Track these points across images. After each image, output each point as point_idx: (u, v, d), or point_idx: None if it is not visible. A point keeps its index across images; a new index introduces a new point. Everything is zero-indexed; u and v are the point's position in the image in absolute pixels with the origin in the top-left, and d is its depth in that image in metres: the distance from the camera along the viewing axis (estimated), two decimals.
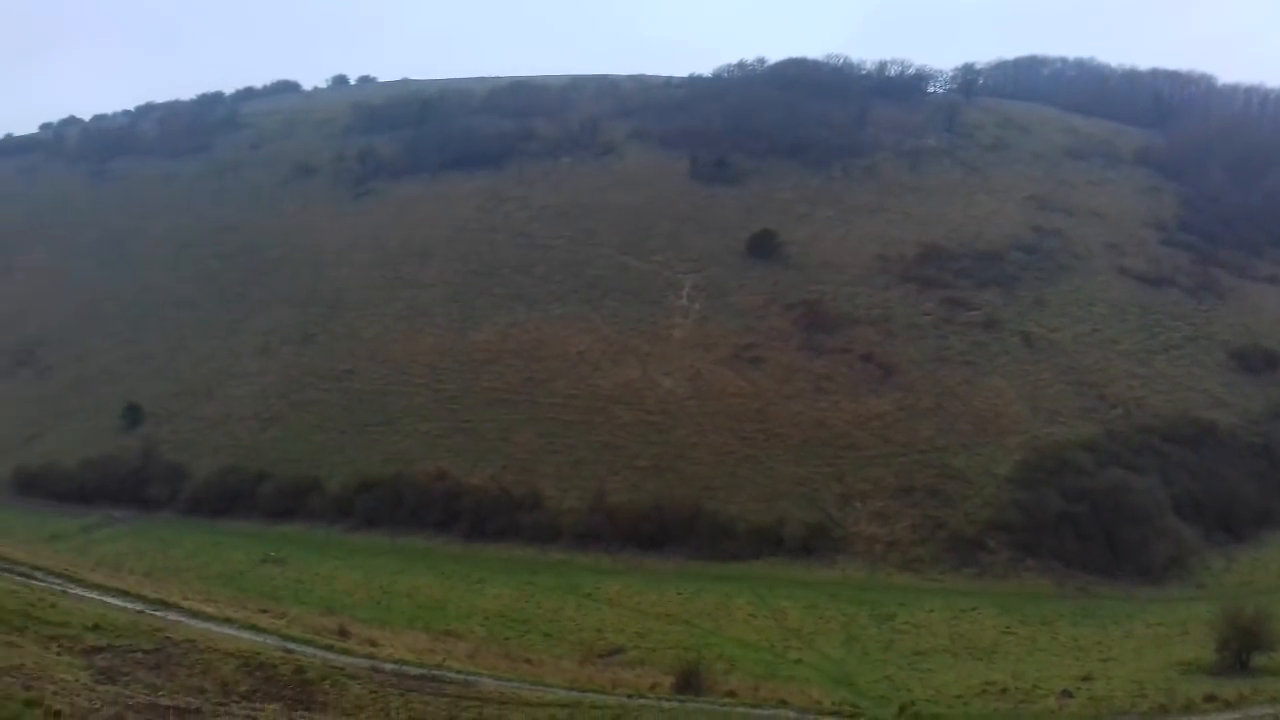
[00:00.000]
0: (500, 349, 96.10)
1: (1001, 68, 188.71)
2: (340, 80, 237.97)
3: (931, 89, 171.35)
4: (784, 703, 38.37)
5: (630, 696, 35.89)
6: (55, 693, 18.67)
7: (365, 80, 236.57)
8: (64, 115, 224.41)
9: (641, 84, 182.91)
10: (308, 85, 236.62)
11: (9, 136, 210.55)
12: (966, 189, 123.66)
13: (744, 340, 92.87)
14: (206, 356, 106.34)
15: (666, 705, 34.73)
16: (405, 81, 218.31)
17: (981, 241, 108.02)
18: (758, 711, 35.46)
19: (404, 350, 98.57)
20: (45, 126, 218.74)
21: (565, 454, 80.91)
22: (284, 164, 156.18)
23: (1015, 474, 73.84)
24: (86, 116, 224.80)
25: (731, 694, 39.60)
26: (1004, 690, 45.71)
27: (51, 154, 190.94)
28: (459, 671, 36.16)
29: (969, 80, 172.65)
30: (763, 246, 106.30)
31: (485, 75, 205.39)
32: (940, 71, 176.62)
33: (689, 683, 39.96)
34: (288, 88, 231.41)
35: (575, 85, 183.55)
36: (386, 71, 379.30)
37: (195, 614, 38.14)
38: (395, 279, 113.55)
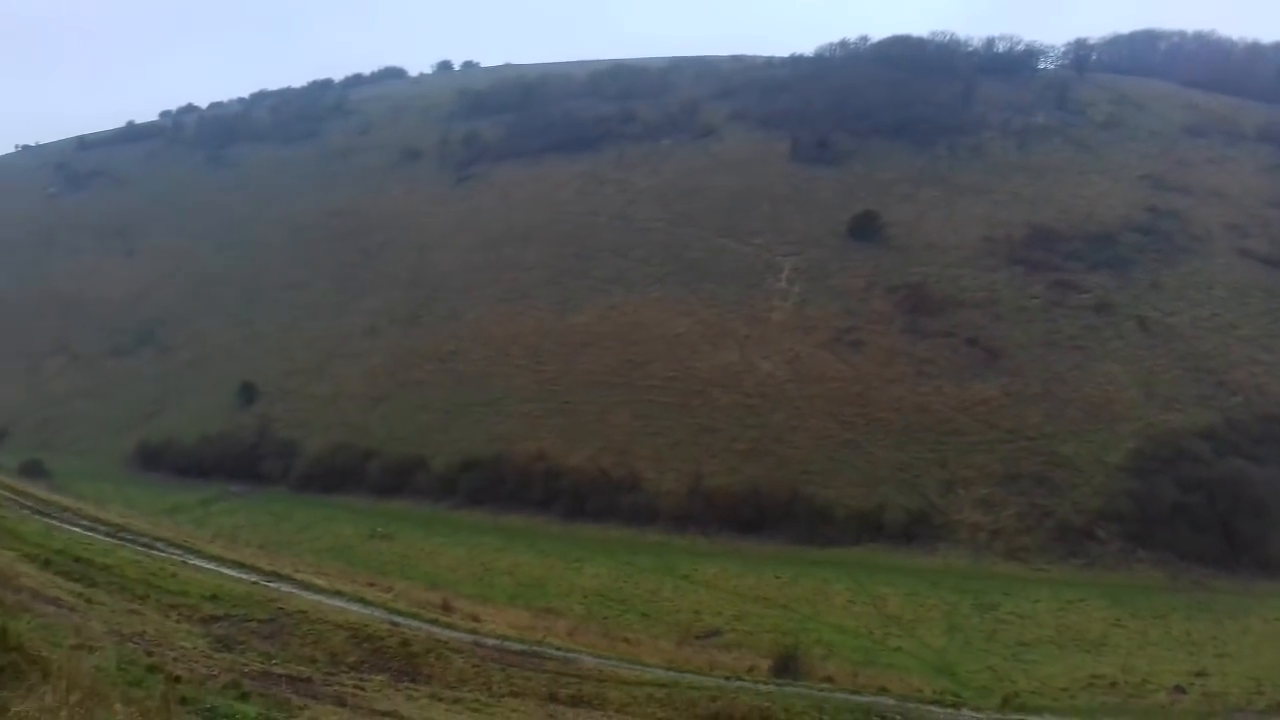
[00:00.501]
0: (599, 331, 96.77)
1: (1116, 42, 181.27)
2: (445, 66, 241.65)
3: (1041, 65, 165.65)
4: (883, 690, 37.95)
5: (728, 679, 35.93)
6: (175, 659, 19.50)
7: (469, 66, 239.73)
8: (183, 103, 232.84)
9: (742, 65, 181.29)
10: (413, 72, 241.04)
11: (132, 124, 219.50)
12: (1078, 168, 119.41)
13: (844, 323, 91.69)
14: (317, 337, 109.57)
15: (764, 688, 34.67)
16: (508, 66, 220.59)
17: (1093, 222, 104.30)
18: (856, 698, 35.13)
19: (505, 332, 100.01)
20: (165, 114, 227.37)
21: (663, 436, 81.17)
22: (391, 149, 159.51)
23: (1127, 462, 71.38)
24: (204, 104, 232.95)
25: (829, 679, 39.34)
26: (1113, 684, 44.48)
27: (172, 140, 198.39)
28: (558, 648, 36.67)
29: (1081, 56, 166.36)
30: (864, 228, 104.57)
31: (586, 59, 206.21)
32: (1051, 47, 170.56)
33: (786, 666, 39.86)
34: (394, 74, 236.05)
35: (675, 67, 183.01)
36: (490, 57, 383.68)
37: (307, 586, 39.39)
38: (497, 261, 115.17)
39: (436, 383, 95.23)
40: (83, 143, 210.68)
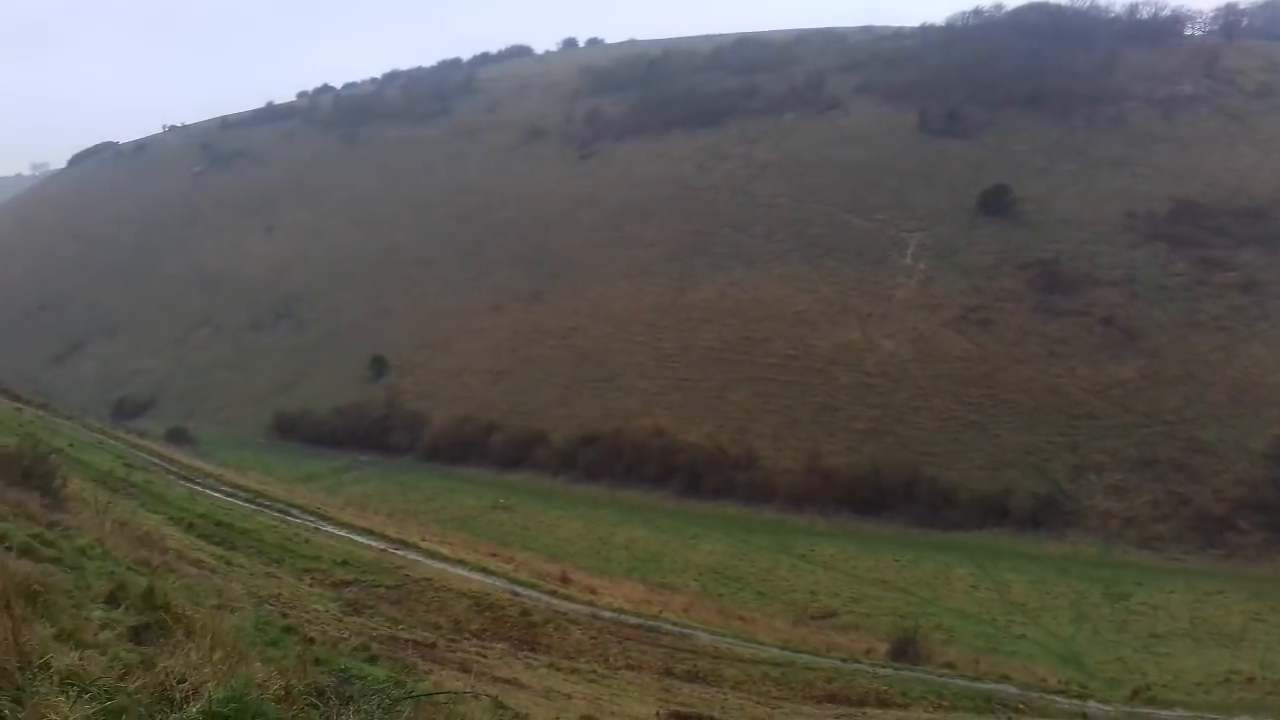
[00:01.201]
0: (718, 308, 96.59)
1: (1269, 7, 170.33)
2: (570, 43, 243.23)
3: (1188, 32, 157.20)
4: (1006, 678, 37.19)
5: (844, 660, 35.77)
6: (308, 621, 20.46)
7: (594, 43, 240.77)
8: (319, 84, 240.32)
9: (870, 36, 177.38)
10: (539, 49, 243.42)
11: (271, 105, 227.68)
12: (1226, 139, 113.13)
13: (972, 301, 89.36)
14: (444, 312, 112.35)
15: (882, 671, 34.41)
16: (632, 43, 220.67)
17: (1243, 196, 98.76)
18: (977, 685, 34.53)
19: (625, 309, 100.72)
20: (302, 94, 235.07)
21: (781, 414, 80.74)
22: (516, 127, 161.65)
23: (1273, 449, 67.84)
24: (339, 85, 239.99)
25: (950, 665, 38.74)
26: (1250, 680, 42.60)
27: (308, 120, 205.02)
28: (674, 623, 37.05)
29: (1231, 21, 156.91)
30: (995, 202, 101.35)
31: (711, 33, 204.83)
32: (1198, 13, 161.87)
33: (905, 651, 39.39)
34: (521, 52, 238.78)
35: (801, 40, 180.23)
36: (614, 33, 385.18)
37: (431, 554, 40.70)
38: (618, 239, 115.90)
39: (557, 358, 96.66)
40: (226, 123, 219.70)
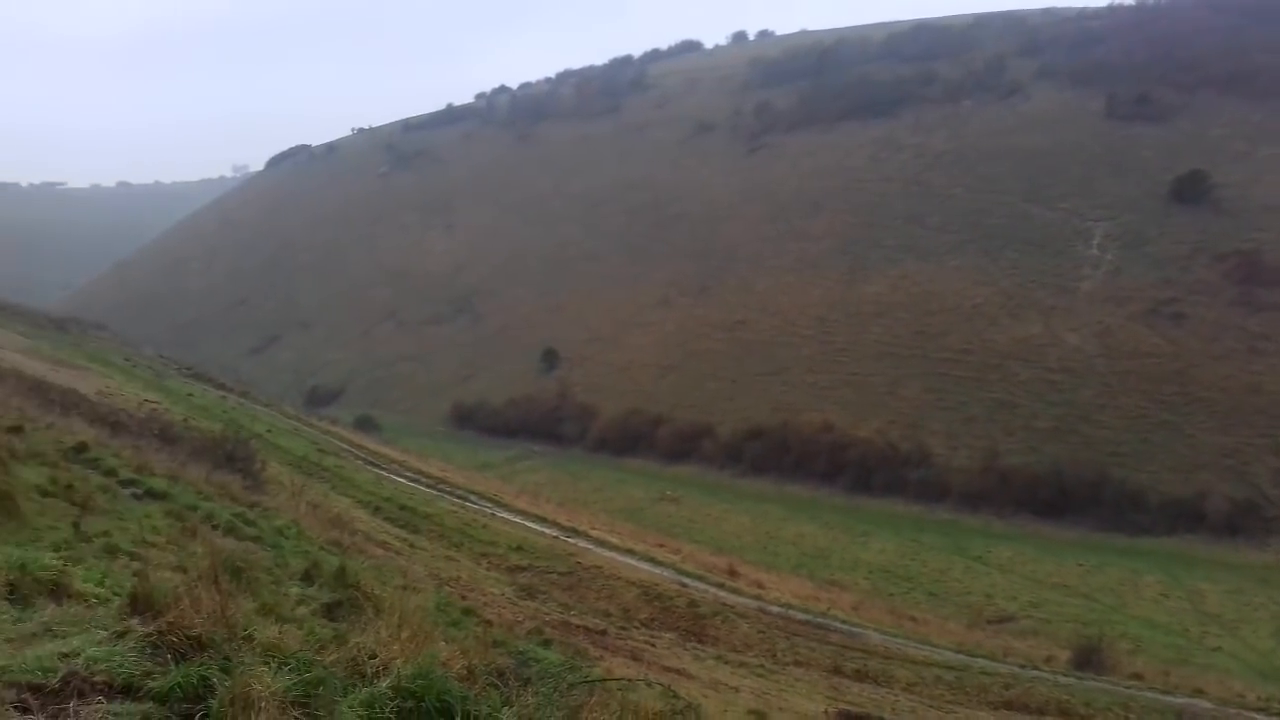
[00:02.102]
0: (890, 301, 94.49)
1: None
2: (740, 37, 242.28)
3: None
4: (1200, 692, 35.07)
5: (1022, 667, 34.49)
6: (485, 604, 21.22)
7: (764, 35, 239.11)
8: (496, 85, 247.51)
9: (1052, 17, 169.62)
10: (709, 44, 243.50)
11: (450, 106, 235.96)
12: None
13: (1163, 294, 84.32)
14: (613, 306, 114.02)
15: (1063, 680, 33.02)
16: (803, 33, 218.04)
17: None
18: (1167, 698, 32.70)
19: (793, 302, 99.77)
20: (480, 96, 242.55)
21: (956, 411, 78.34)
22: (685, 122, 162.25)
23: None
24: (515, 85, 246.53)
25: (1137, 676, 36.79)
26: None
27: (485, 121, 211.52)
28: (843, 621, 36.55)
29: None
30: (1190, 190, 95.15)
31: (885, 20, 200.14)
32: None
33: (1088, 659, 37.62)
34: (690, 47, 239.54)
35: (980, 24, 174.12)
36: (785, 24, 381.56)
37: (601, 543, 41.44)
38: (786, 231, 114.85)
39: (724, 352, 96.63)
40: (408, 125, 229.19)
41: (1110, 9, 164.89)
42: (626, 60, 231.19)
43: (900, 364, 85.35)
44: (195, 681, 4.66)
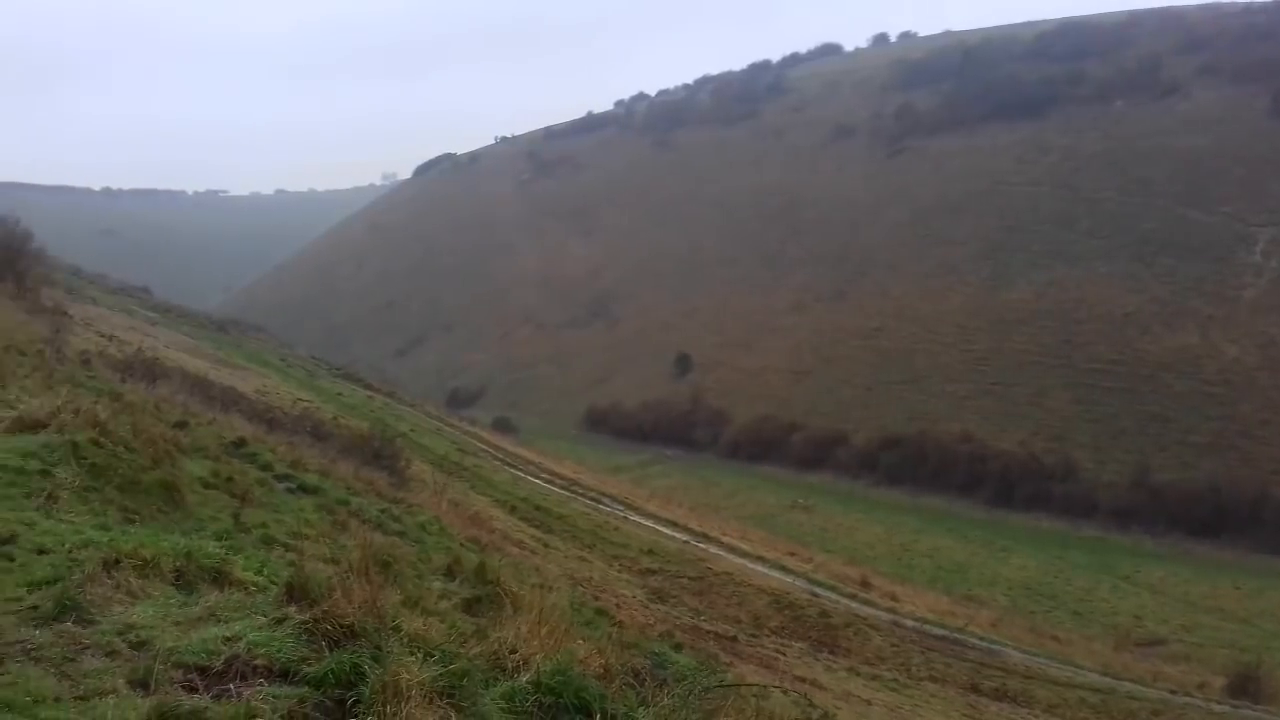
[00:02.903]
0: (1035, 309, 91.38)
1: None
2: (881, 39, 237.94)
3: None
4: None
5: (1173, 692, 32.89)
6: (617, 605, 21.45)
7: (906, 37, 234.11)
8: (635, 92, 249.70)
9: (1214, 13, 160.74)
10: (849, 47, 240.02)
11: (590, 114, 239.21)
12: None
13: None
14: (747, 311, 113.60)
15: (1216, 708, 31.37)
16: (946, 34, 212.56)
17: None
18: None
19: (932, 309, 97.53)
20: (619, 103, 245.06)
21: (1104, 423, 75.18)
22: (823, 125, 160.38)
23: None
24: (653, 92, 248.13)
25: None
26: None
27: (624, 128, 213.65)
28: (981, 638, 35.53)
29: None
30: None
31: (1033, 19, 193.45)
32: None
33: (1244, 687, 35.56)
34: (830, 51, 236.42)
35: (1134, 21, 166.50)
36: (929, 26, 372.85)
37: (731, 549, 41.32)
38: (926, 236, 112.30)
39: (859, 359, 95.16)
40: (550, 133, 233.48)
41: (1277, 3, 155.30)
42: (765, 65, 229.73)
43: (1045, 373, 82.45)
44: (348, 668, 4.90)
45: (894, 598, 40.51)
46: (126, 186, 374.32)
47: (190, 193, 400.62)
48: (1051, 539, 65.51)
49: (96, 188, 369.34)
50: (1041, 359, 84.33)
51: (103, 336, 37.37)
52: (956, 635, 34.46)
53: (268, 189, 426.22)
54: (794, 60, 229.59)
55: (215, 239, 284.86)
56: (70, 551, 6.79)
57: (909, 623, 34.54)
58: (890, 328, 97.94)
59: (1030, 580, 57.75)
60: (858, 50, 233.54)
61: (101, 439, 10.18)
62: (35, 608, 5.79)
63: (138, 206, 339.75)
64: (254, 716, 4.24)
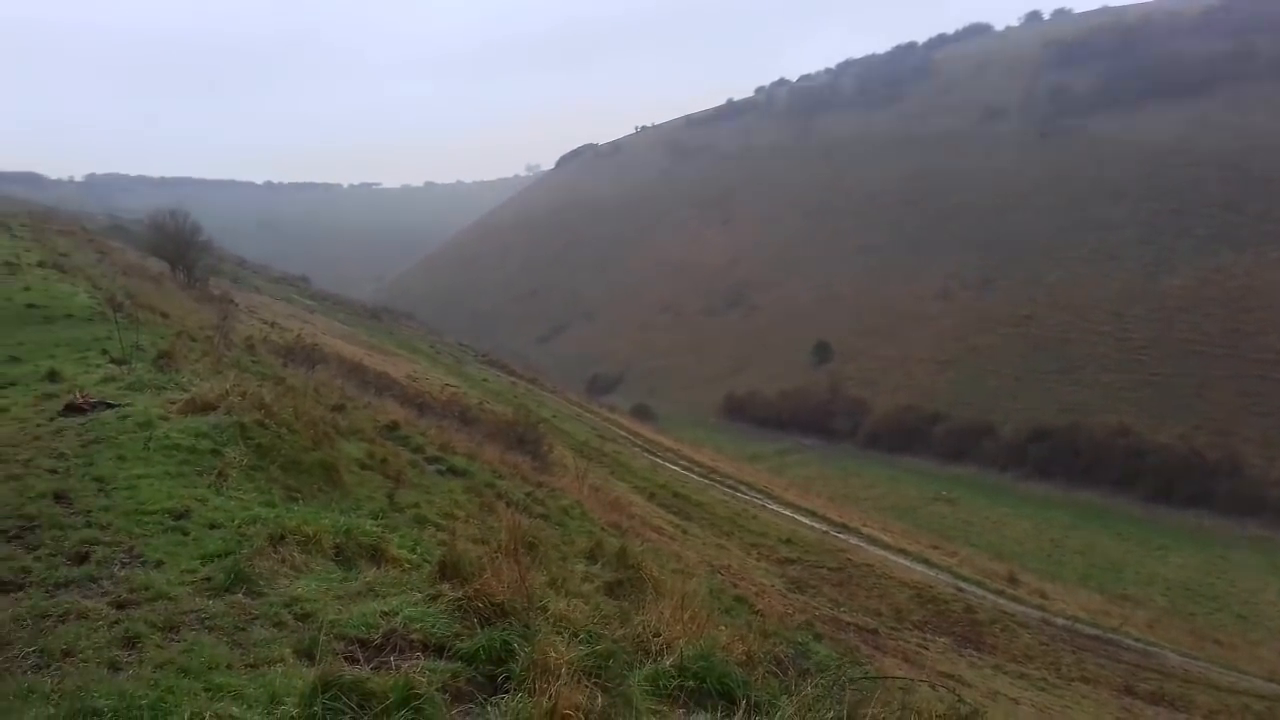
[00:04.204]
0: (1199, 296, 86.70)
1: None
2: (1033, 17, 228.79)
3: None
4: None
5: None
6: (755, 594, 21.41)
7: (1060, 14, 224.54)
8: (776, 78, 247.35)
9: None
10: (1000, 26, 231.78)
11: (730, 101, 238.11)
12: None
13: None
14: (889, 299, 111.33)
15: None
16: (1104, 10, 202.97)
17: None
18: None
19: (1087, 296, 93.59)
20: (760, 89, 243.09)
21: (1274, 417, 70.86)
22: (972, 108, 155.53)
23: None
24: (794, 77, 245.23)
25: None
26: None
27: (764, 114, 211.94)
28: (1136, 639, 34.09)
29: None
30: None
31: None
32: None
33: None
34: (979, 31, 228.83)
35: None
36: (1084, 2, 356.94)
37: (872, 541, 40.71)
38: (1081, 221, 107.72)
39: (1008, 347, 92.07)
40: (690, 121, 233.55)
41: None
42: (910, 47, 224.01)
43: (1209, 364, 78.17)
44: (498, 645, 5.07)
45: (1043, 595, 39.18)
46: (286, 180, 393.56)
47: (345, 185, 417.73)
48: (1214, 537, 62.16)
49: (259, 181, 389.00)
50: (1205, 349, 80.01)
51: (265, 323, 39.34)
52: (1110, 635, 33.14)
53: (417, 181, 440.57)
54: (941, 41, 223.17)
55: (369, 230, 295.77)
56: (239, 527, 7.21)
57: (1059, 621, 33.39)
58: (1041, 315, 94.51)
59: (1190, 580, 54.95)
60: (1008, 29, 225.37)
61: (266, 420, 10.72)
62: (208, 579, 6.17)
63: (296, 199, 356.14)
64: (412, 688, 4.42)
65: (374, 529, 7.66)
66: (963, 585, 35.25)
